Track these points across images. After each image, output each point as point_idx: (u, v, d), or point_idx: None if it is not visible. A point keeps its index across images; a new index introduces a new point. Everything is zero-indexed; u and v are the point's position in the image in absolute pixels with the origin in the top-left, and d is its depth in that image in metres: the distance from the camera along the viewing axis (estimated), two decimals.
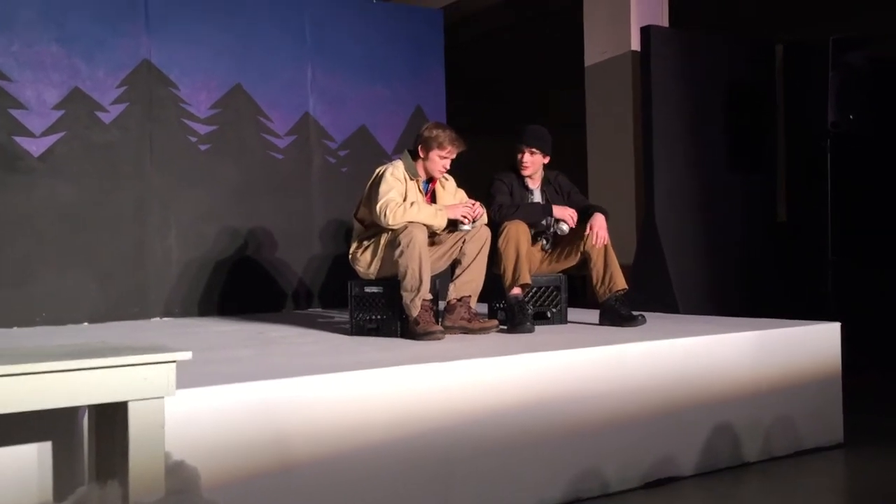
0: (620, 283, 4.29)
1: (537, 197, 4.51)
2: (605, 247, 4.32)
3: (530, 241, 4.34)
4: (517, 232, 4.21)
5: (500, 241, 4.21)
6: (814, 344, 4.05)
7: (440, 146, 4.06)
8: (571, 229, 4.42)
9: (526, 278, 4.20)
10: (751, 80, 6.58)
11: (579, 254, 4.39)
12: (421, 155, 4.11)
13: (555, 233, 4.47)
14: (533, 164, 4.44)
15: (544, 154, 4.47)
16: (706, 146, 6.35)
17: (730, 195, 6.46)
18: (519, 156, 4.44)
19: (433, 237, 4.09)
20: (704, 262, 6.23)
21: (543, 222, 4.44)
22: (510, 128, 4.56)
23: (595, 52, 6.76)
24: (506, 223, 4.25)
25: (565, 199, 4.54)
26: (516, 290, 4.20)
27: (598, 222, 4.32)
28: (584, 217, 4.42)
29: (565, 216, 4.39)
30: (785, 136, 6.80)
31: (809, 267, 6.30)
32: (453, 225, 4.09)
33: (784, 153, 6.82)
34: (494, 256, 4.24)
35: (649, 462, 3.46)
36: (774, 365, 3.90)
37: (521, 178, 4.47)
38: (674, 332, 3.86)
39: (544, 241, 4.50)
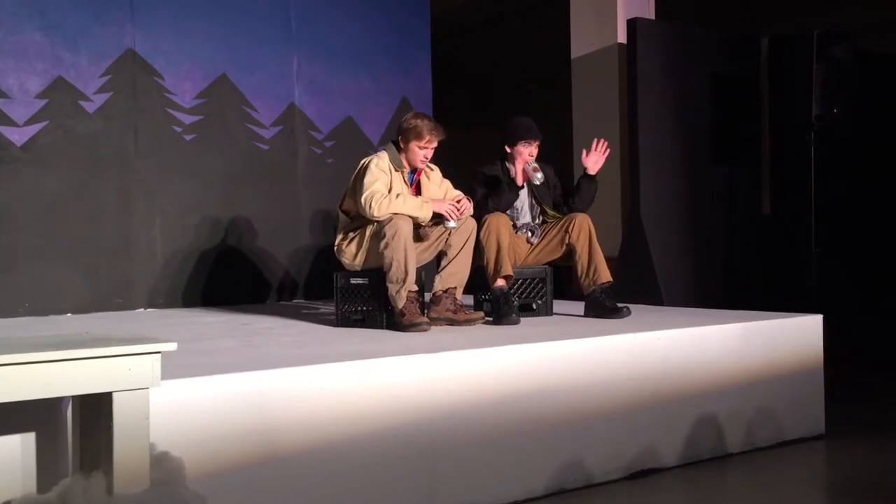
0: (605, 275, 4.31)
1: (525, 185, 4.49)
2: (590, 240, 4.34)
3: (512, 232, 4.35)
4: (497, 224, 4.22)
5: (482, 233, 4.22)
6: (796, 336, 4.09)
7: (418, 136, 4.05)
8: (555, 218, 4.44)
9: (508, 270, 4.21)
10: (736, 74, 6.60)
11: (564, 246, 4.41)
12: (401, 146, 4.11)
13: (544, 213, 4.48)
14: (534, 155, 4.44)
15: (538, 140, 4.47)
16: (691, 139, 6.37)
17: (714, 188, 6.49)
18: (526, 150, 4.37)
19: (418, 229, 4.09)
20: (689, 254, 6.26)
21: (525, 214, 4.43)
22: (496, 119, 4.55)
23: (581, 44, 6.77)
24: (486, 216, 4.26)
25: (552, 189, 4.55)
26: (500, 282, 4.21)
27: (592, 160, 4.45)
28: (572, 192, 4.48)
29: (526, 173, 4.33)
30: (769, 129, 6.83)
31: (792, 259, 6.34)
32: (438, 218, 4.09)
33: (768, 146, 6.86)
34: (478, 248, 4.25)
35: (633, 453, 3.49)
36: (757, 356, 3.93)
37: (507, 170, 4.46)
38: (658, 324, 3.88)
39: (530, 234, 4.51)
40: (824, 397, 4.14)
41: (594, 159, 4.46)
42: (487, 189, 4.39)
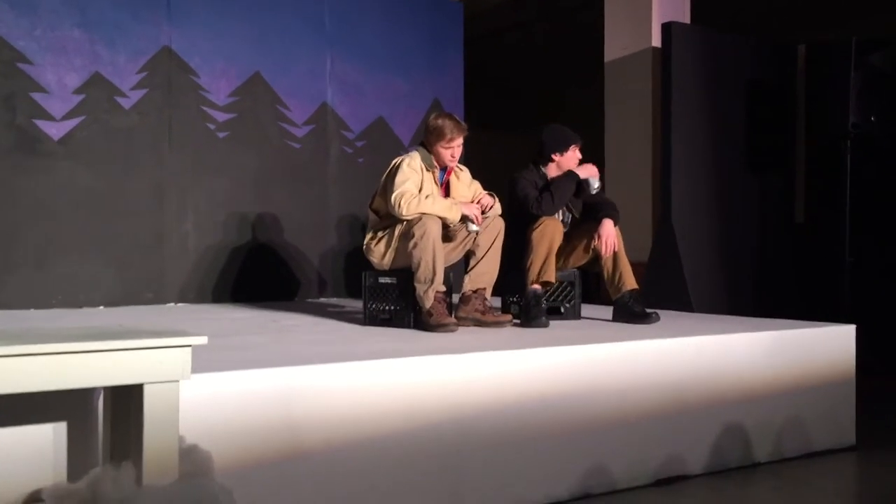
0: (630, 283, 4.27)
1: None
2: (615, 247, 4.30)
3: (562, 240, 4.30)
4: (553, 230, 4.19)
5: (536, 234, 4.17)
6: (828, 346, 4.03)
7: (441, 136, 4.06)
8: (581, 225, 4.41)
9: (551, 276, 4.19)
10: (771, 80, 6.54)
11: (590, 251, 4.38)
12: (429, 148, 4.12)
13: (573, 217, 4.45)
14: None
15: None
16: (725, 145, 6.32)
17: (747, 195, 6.43)
18: (575, 154, 4.38)
19: (446, 230, 4.09)
20: (720, 261, 6.20)
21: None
22: (527, 122, 4.54)
23: (615, 47, 6.74)
24: (543, 218, 4.23)
25: (580, 192, 4.52)
26: (536, 286, 4.20)
27: (607, 230, 4.28)
28: (593, 215, 4.40)
29: (589, 172, 4.35)
30: (805, 136, 6.76)
31: (826, 268, 6.26)
32: (466, 220, 4.10)
33: (803, 154, 6.78)
34: (524, 248, 4.22)
35: (659, 460, 3.46)
36: (788, 366, 3.88)
37: (543, 174, 4.45)
38: (687, 331, 3.85)
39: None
40: (856, 408, 4.08)
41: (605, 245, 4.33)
42: (537, 190, 4.37)
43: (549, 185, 4.36)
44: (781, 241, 6.62)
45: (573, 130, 4.47)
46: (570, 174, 4.36)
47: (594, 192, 4.37)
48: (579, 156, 4.40)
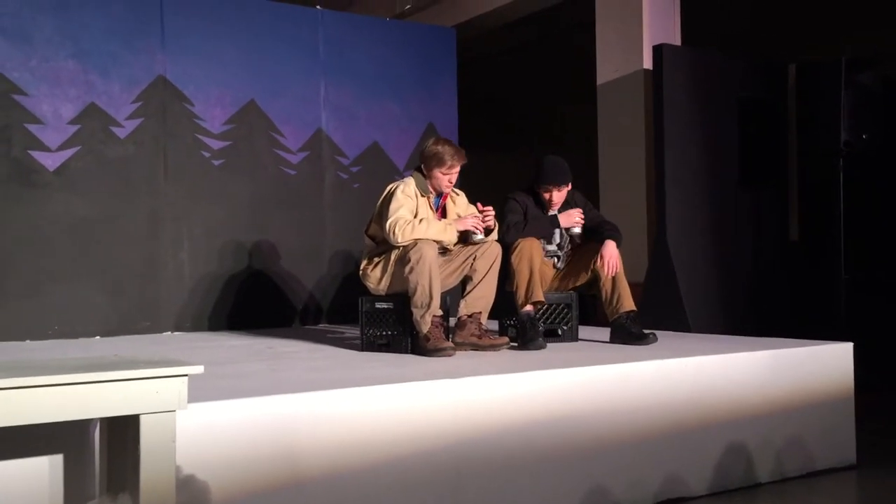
0: (628, 304, 4.28)
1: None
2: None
3: (542, 258, 4.34)
4: (531, 249, 4.22)
5: (514, 257, 4.22)
6: (826, 364, 4.03)
7: (440, 163, 4.08)
8: (581, 246, 4.43)
9: (539, 295, 4.20)
10: (763, 99, 6.58)
11: (590, 272, 4.38)
12: (425, 173, 4.13)
13: (571, 240, 4.47)
14: (560, 199, 4.44)
15: (568, 185, 4.47)
16: (719, 164, 6.34)
17: (742, 214, 6.45)
18: (546, 195, 4.42)
19: (445, 252, 4.10)
20: (716, 280, 6.21)
21: (555, 240, 4.43)
22: (521, 145, 4.56)
23: (607, 70, 6.79)
24: (519, 240, 4.25)
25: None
26: (529, 308, 4.20)
27: (609, 251, 4.29)
28: (596, 236, 4.41)
29: (571, 221, 4.39)
30: (797, 154, 6.79)
31: (822, 286, 6.27)
32: (464, 239, 4.11)
33: (796, 172, 6.81)
34: (507, 273, 4.24)
35: (660, 481, 3.44)
36: (786, 384, 3.87)
37: (538, 199, 4.47)
38: (685, 351, 3.85)
39: (556, 259, 4.50)
40: (855, 426, 4.07)
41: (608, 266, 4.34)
42: (522, 217, 4.39)
43: (526, 218, 4.38)
44: (776, 258, 6.63)
45: (561, 153, 4.49)
46: (553, 219, 4.40)
47: (578, 239, 4.43)
48: (556, 197, 4.40)
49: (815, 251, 6.56)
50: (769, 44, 7.78)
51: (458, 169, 4.13)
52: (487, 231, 4.12)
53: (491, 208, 4.16)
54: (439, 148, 4.10)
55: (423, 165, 4.15)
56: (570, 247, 4.51)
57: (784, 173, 6.78)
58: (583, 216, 4.42)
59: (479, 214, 4.11)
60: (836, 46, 6.70)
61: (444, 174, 4.10)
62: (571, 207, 4.52)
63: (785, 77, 6.77)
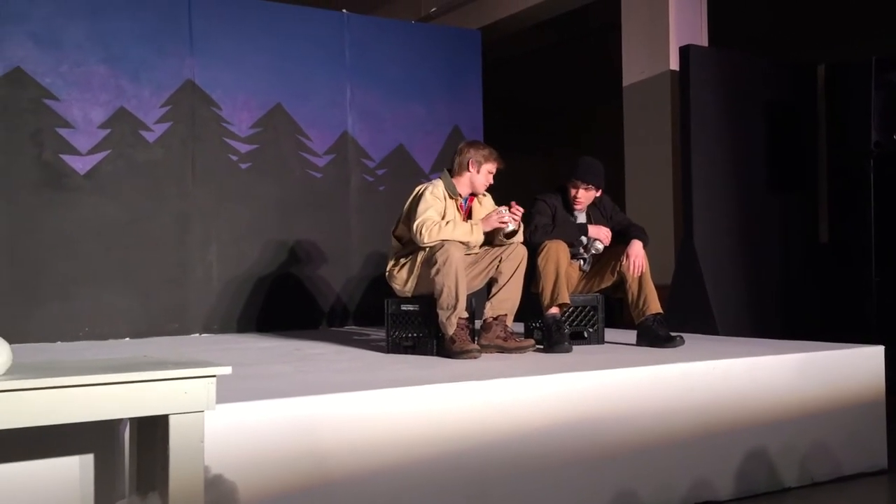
0: (654, 306, 4.25)
1: (581, 220, 4.48)
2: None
3: (569, 260, 4.32)
4: (557, 251, 4.20)
5: (540, 259, 4.21)
6: (857, 367, 3.98)
7: (488, 160, 4.12)
8: (608, 248, 4.41)
9: (565, 298, 4.18)
10: (792, 100, 6.51)
11: (615, 274, 4.36)
12: (471, 170, 4.13)
13: (591, 251, 4.45)
14: (587, 199, 4.43)
15: (598, 188, 4.45)
16: (746, 166, 6.29)
17: (770, 216, 6.39)
18: (573, 191, 4.41)
19: (472, 252, 4.11)
20: (744, 283, 6.15)
21: (582, 242, 4.41)
22: (546, 147, 4.55)
23: (634, 71, 6.75)
24: (546, 242, 4.25)
25: (608, 220, 4.52)
26: (554, 310, 4.19)
27: (635, 250, 4.28)
28: (622, 238, 4.39)
29: (601, 235, 4.38)
30: (827, 155, 6.72)
31: (852, 289, 6.19)
32: (490, 241, 4.10)
33: (826, 173, 6.73)
34: (533, 275, 4.23)
35: (686, 485, 3.42)
36: (816, 388, 3.83)
37: (566, 201, 4.46)
38: (713, 354, 3.81)
39: (582, 262, 4.49)
40: (886, 431, 4.02)
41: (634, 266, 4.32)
42: (550, 219, 4.38)
43: (555, 221, 4.37)
44: (805, 261, 6.56)
45: (587, 155, 4.47)
46: (581, 227, 4.39)
47: (596, 252, 4.41)
48: (582, 195, 4.39)
49: (844, 253, 6.48)
50: (796, 44, 7.71)
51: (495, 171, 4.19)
52: (512, 233, 4.11)
53: (521, 209, 4.15)
54: (486, 150, 4.14)
55: (470, 162, 4.14)
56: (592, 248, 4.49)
57: (813, 175, 6.71)
58: (609, 237, 4.38)
59: (500, 209, 4.08)
60: (864, 46, 6.62)
61: (490, 172, 4.14)
62: (599, 210, 4.51)
63: (814, 78, 6.70)
